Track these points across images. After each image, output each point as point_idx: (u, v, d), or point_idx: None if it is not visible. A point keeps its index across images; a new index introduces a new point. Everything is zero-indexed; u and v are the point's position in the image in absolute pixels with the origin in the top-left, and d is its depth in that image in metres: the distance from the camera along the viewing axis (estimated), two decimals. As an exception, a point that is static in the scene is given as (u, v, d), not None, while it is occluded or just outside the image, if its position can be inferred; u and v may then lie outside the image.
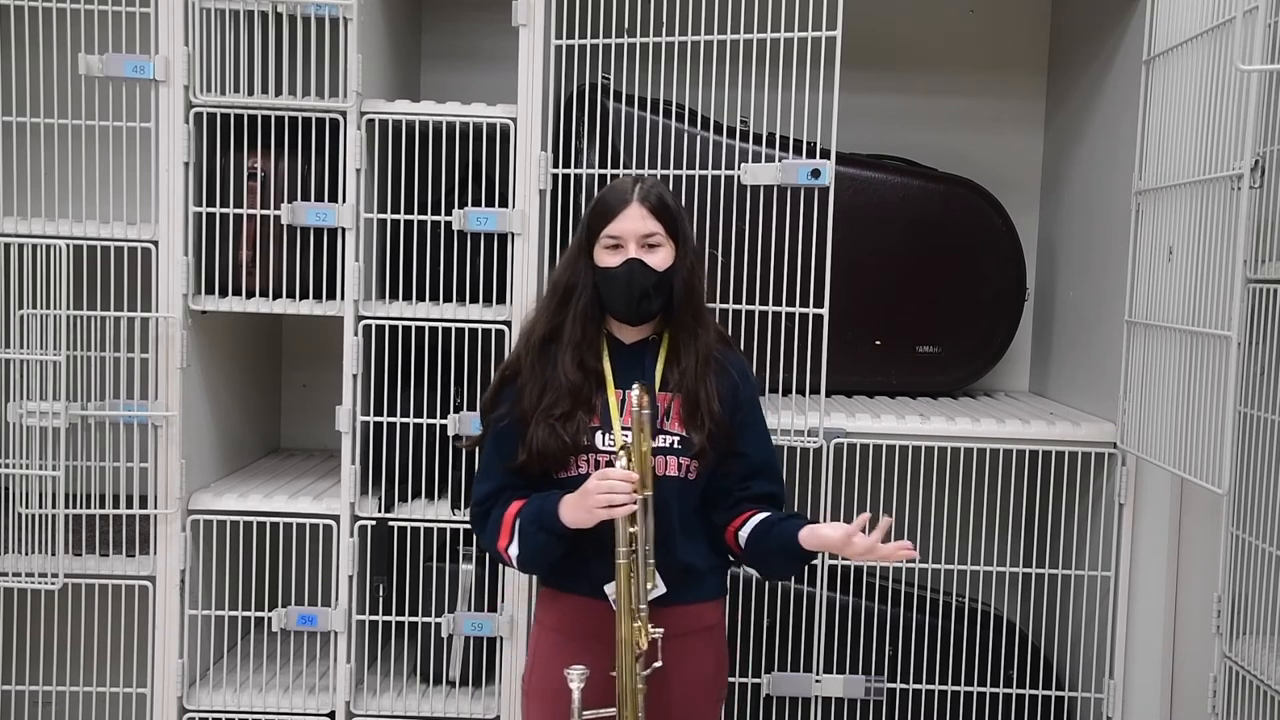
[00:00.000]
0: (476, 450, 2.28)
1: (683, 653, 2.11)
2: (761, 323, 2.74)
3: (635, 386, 2.03)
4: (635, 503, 1.99)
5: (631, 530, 2.00)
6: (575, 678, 2.00)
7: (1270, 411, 2.46)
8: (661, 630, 2.04)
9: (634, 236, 2.08)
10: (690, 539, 2.14)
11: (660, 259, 2.09)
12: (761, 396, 2.33)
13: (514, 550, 2.09)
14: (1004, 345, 3.11)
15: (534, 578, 2.72)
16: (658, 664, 2.05)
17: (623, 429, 2.09)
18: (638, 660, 2.03)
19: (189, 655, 2.78)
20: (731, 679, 2.78)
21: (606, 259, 2.09)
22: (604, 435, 2.09)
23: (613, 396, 2.12)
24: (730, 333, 2.70)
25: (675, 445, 2.10)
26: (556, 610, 2.17)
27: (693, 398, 2.10)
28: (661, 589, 2.09)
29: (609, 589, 2.06)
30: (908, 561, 2.09)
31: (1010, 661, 2.86)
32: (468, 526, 2.79)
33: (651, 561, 2.05)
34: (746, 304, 2.75)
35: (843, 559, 2.80)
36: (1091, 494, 2.85)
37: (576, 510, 2.01)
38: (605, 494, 1.97)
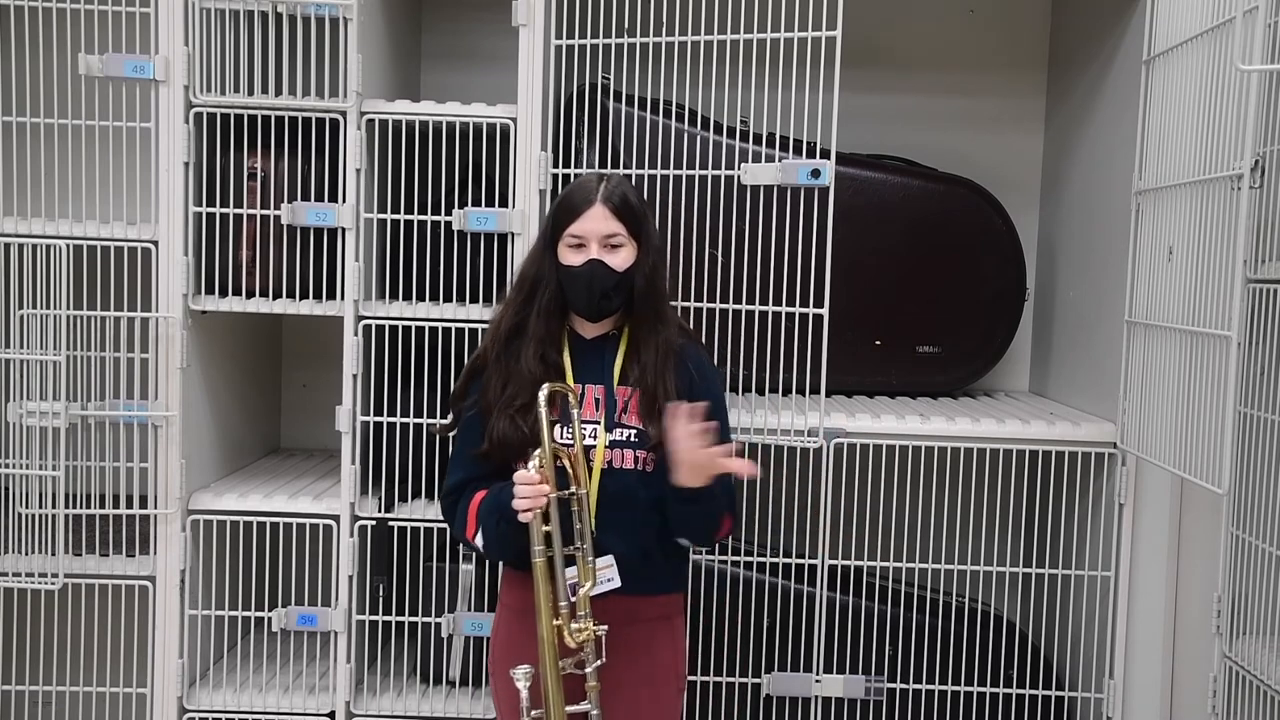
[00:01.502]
0: (451, 438, 2.33)
1: (638, 642, 2.15)
2: (761, 323, 2.74)
3: (545, 388, 2.07)
4: (541, 505, 2.03)
5: (546, 529, 2.04)
6: (521, 677, 2.03)
7: (1270, 411, 2.46)
8: (605, 627, 2.07)
9: (596, 237, 2.12)
10: (649, 530, 2.17)
11: (621, 259, 2.13)
12: (737, 393, 2.34)
13: (479, 540, 2.15)
14: (1004, 345, 3.11)
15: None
16: (600, 661, 2.07)
17: (581, 422, 2.13)
18: (576, 655, 2.06)
19: (189, 655, 2.78)
20: (731, 679, 2.79)
21: (569, 257, 2.13)
22: (562, 428, 2.13)
23: (571, 391, 2.15)
24: (730, 333, 2.71)
25: (631, 439, 2.14)
26: (517, 590, 2.19)
27: (650, 392, 2.14)
28: (614, 583, 2.12)
29: (570, 572, 2.09)
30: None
31: (1010, 661, 2.86)
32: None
33: (591, 560, 2.08)
34: (747, 304, 2.75)
35: (842, 560, 2.81)
36: (1091, 494, 2.85)
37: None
38: (517, 499, 2.03)
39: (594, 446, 2.14)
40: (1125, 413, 2.68)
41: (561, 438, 2.13)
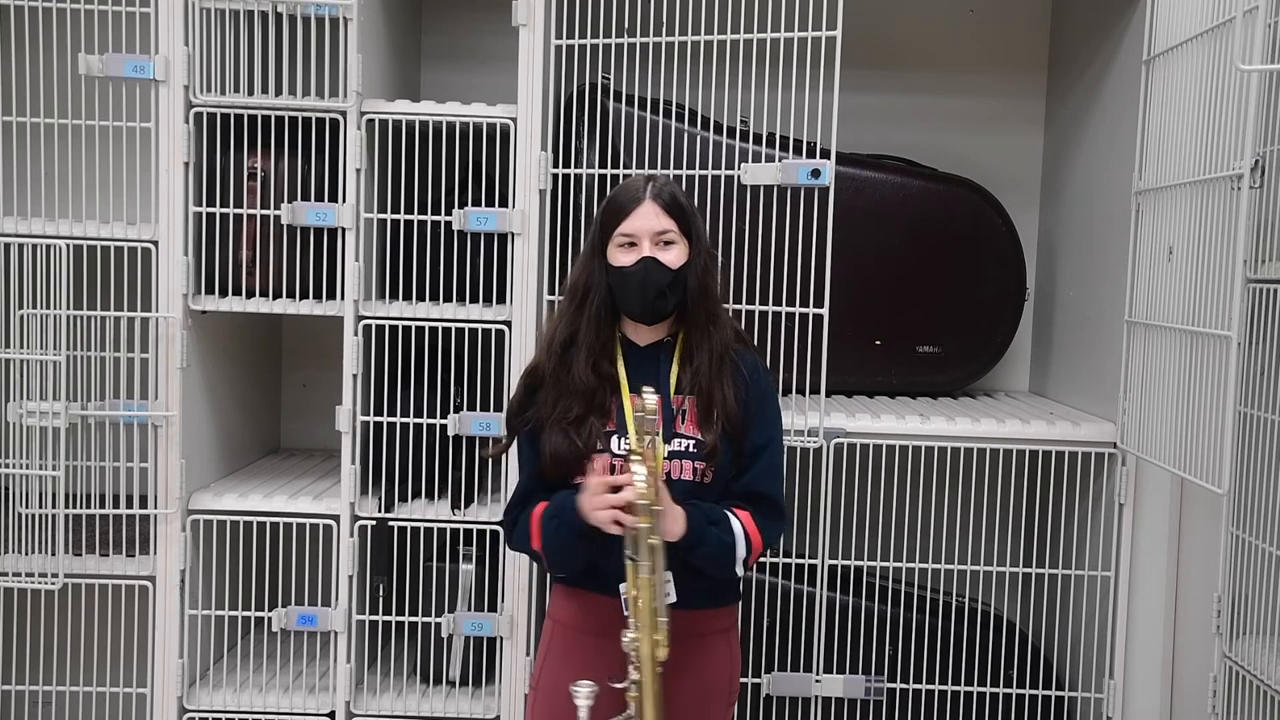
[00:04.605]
0: (505, 455, 2.24)
1: (696, 655, 2.09)
2: (762, 323, 2.74)
3: (648, 392, 1.96)
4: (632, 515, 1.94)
5: (651, 541, 1.95)
6: (583, 695, 1.95)
7: (1270, 411, 2.46)
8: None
9: (648, 234, 2.05)
10: None
11: (674, 257, 2.06)
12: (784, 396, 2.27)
13: (544, 550, 2.08)
14: (1004, 345, 3.11)
15: (541, 576, 2.73)
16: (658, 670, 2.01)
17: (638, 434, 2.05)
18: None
19: (189, 655, 2.78)
20: (731, 679, 2.79)
21: (620, 258, 2.07)
22: (618, 439, 2.07)
23: (627, 400, 2.08)
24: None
25: (690, 449, 2.07)
26: (570, 607, 2.15)
27: (706, 397, 2.07)
28: (670, 597, 2.04)
29: (624, 587, 2.03)
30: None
31: (1010, 661, 2.86)
32: (468, 526, 2.80)
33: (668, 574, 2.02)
34: (747, 304, 2.75)
35: (842, 560, 2.81)
36: (1091, 494, 2.85)
37: (582, 506, 1.99)
38: (594, 507, 1.96)
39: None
40: (1125, 413, 2.68)
41: (617, 449, 2.06)
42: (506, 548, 2.56)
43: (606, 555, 2.03)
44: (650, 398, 1.95)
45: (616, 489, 1.96)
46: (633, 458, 1.96)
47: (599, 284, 2.09)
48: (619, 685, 1.99)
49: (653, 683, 1.98)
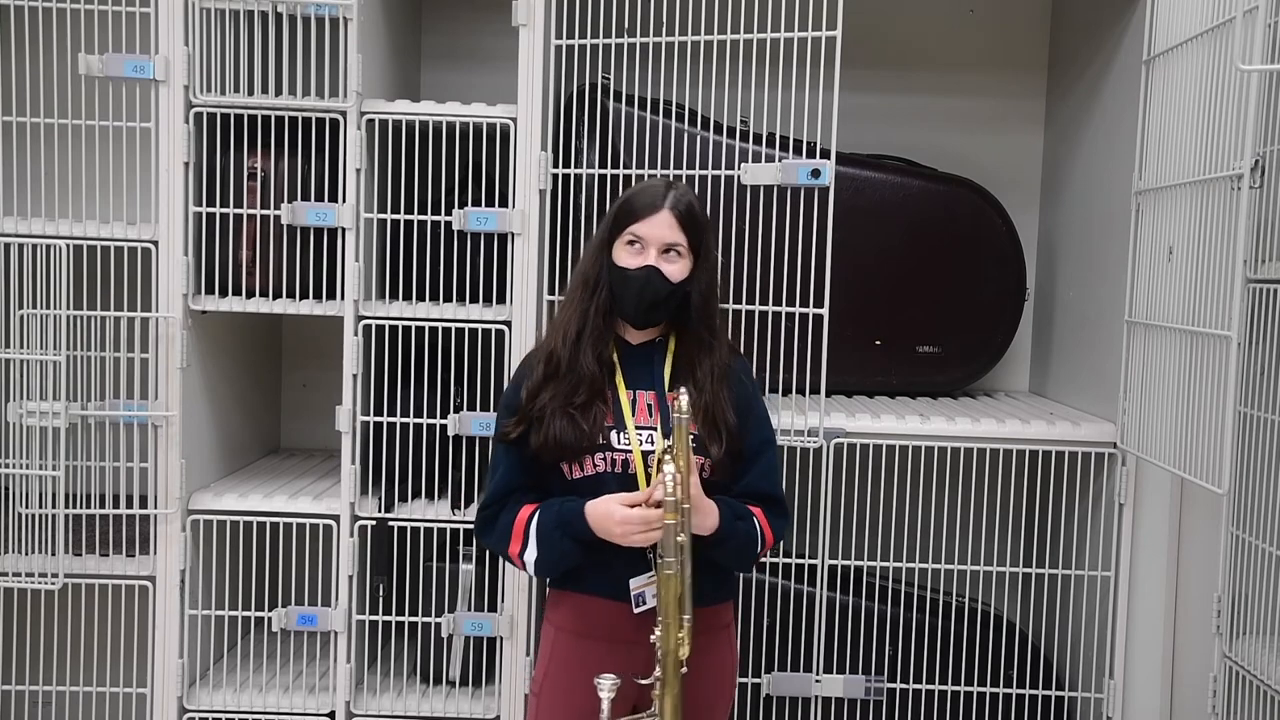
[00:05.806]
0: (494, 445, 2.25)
1: (703, 650, 2.10)
2: (761, 323, 2.74)
3: (682, 393, 1.99)
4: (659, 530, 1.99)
5: (680, 540, 1.98)
6: (606, 688, 1.97)
7: (1270, 411, 2.46)
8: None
9: (657, 242, 2.07)
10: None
11: (678, 270, 2.08)
12: (765, 396, 2.32)
13: (530, 556, 2.08)
14: (1004, 345, 3.11)
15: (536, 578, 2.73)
16: (683, 669, 2.04)
17: (637, 428, 2.09)
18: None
19: (189, 655, 2.78)
20: (731, 679, 2.79)
21: (625, 257, 2.09)
22: (618, 434, 2.09)
23: (624, 395, 2.11)
24: (731, 333, 2.70)
25: (689, 443, 2.07)
26: (570, 611, 2.16)
27: (709, 409, 2.09)
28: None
29: (634, 583, 2.06)
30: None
31: (1010, 661, 2.86)
32: (468, 526, 2.79)
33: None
34: (746, 304, 2.75)
35: (842, 560, 2.81)
36: (1091, 494, 2.85)
37: (603, 525, 2.02)
38: (632, 533, 2.00)
39: (651, 452, 2.09)
40: (1125, 413, 2.68)
41: (618, 443, 2.09)
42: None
43: (611, 555, 2.05)
44: (684, 399, 1.98)
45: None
46: (664, 456, 2.00)
47: (604, 278, 2.12)
48: (644, 681, 2.02)
49: (675, 679, 2.00)
